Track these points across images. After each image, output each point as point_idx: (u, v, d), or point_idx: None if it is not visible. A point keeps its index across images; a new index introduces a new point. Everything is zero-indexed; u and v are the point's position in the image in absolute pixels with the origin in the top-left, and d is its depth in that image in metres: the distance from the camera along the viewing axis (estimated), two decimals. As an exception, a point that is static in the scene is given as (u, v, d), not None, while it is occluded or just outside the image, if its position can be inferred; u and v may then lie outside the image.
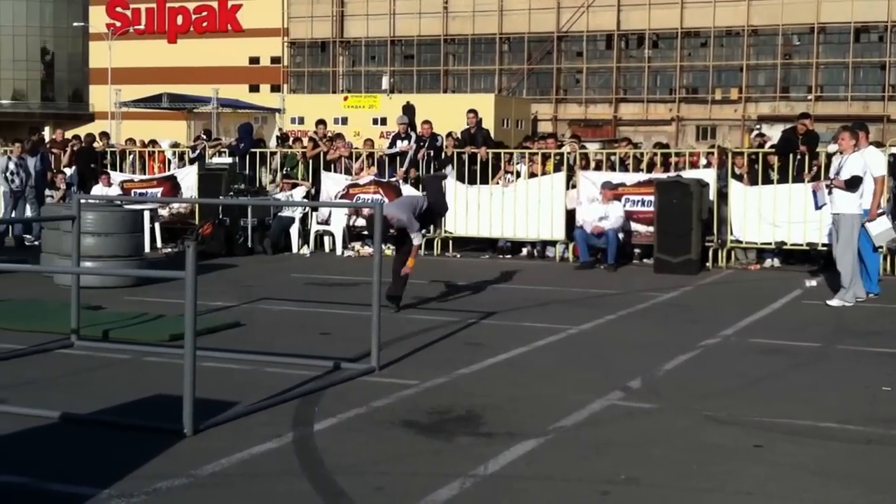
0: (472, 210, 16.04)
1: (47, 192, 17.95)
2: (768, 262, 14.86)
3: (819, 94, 63.18)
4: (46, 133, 26.08)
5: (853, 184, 10.88)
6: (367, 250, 15.82)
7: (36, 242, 15.91)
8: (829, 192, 11.21)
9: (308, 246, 16.46)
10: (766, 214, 14.45)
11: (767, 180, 14.72)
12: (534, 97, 68.43)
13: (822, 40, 63.07)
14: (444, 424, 6.10)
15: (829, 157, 14.14)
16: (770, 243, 14.61)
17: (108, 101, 61.94)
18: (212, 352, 7.73)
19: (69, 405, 6.32)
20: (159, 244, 16.50)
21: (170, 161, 19.03)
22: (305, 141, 18.86)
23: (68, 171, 18.71)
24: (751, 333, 9.44)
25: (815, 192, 11.89)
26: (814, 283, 12.67)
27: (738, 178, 15.08)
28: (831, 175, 11.34)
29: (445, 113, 37.47)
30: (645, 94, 67.11)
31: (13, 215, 16.90)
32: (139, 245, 12.94)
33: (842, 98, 62.49)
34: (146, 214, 15.16)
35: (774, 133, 22.89)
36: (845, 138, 11.22)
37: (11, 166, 16.95)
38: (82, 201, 9.70)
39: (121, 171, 18.63)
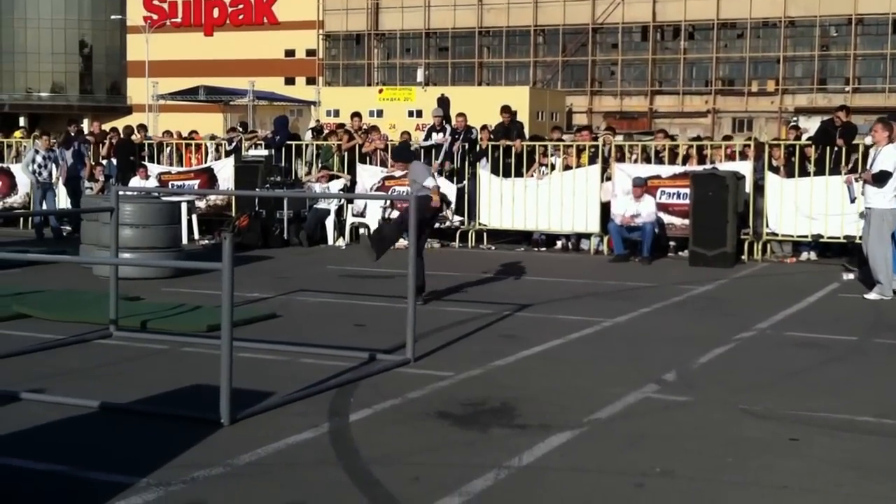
0: (506, 202, 16.03)
1: (86, 183, 18.15)
2: (804, 256, 14.73)
3: (857, 85, 62.48)
4: (85, 125, 26.31)
5: (881, 178, 10.78)
6: (402, 243, 15.85)
7: (74, 234, 16.09)
8: (861, 186, 11.15)
9: (343, 238, 16.54)
10: (803, 207, 14.32)
11: (804, 173, 14.60)
12: (569, 89, 68.21)
13: (859, 31, 62.34)
14: (478, 416, 6.12)
15: (867, 148, 14.01)
16: (806, 236, 14.49)
17: (145, 93, 62.44)
18: (248, 342, 7.80)
19: (108, 395, 6.41)
20: (196, 236, 16.65)
21: (207, 152, 19.17)
22: (341, 133, 18.91)
23: (106, 163, 18.90)
24: (786, 327, 9.38)
25: (848, 186, 11.81)
26: (851, 276, 12.56)
27: (775, 170, 14.96)
28: (868, 168, 11.25)
29: (480, 105, 37.41)
30: (681, 86, 66.68)
31: (43, 207, 17.07)
32: (176, 236, 13.06)
33: (880, 90, 61.76)
34: (183, 206, 15.28)
35: (811, 125, 22.71)
36: (878, 130, 11.12)
37: (39, 159, 17.10)
38: (120, 193, 9.81)
39: (158, 163, 18.80)
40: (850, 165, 14.05)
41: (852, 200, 11.99)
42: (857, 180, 11.25)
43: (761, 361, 7.87)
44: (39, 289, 10.74)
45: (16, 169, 18.82)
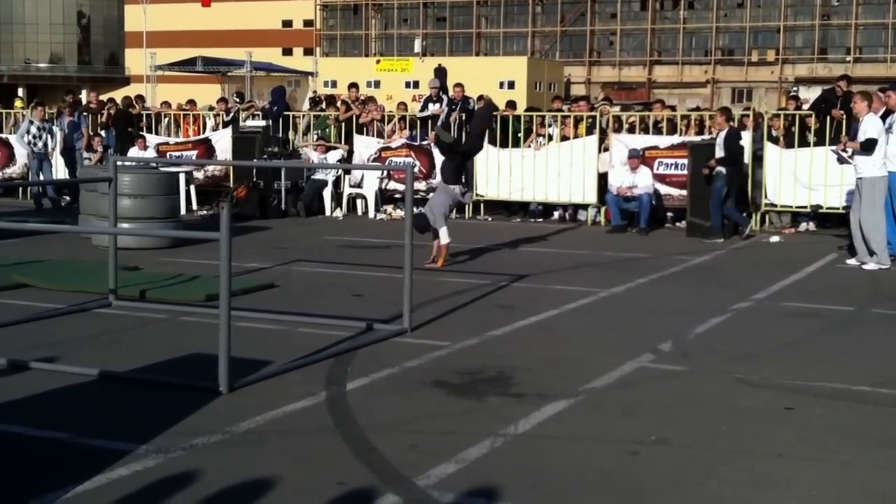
0: (504, 173, 16.02)
1: (84, 154, 18.13)
2: (803, 226, 14.75)
3: (858, 55, 62.23)
4: (83, 96, 26.23)
5: (868, 146, 10.90)
6: (399, 213, 15.87)
7: (73, 204, 16.10)
8: (850, 156, 11.27)
9: (341, 209, 16.54)
10: (802, 177, 14.32)
11: (804, 143, 14.58)
12: (567, 60, 68.00)
13: (861, 1, 61.98)
14: (475, 385, 6.16)
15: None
16: (805, 207, 14.49)
17: (143, 64, 62.23)
18: (246, 312, 7.82)
19: (107, 363, 6.45)
20: (194, 206, 16.66)
21: (206, 123, 19.11)
22: (338, 104, 18.87)
23: (104, 134, 18.86)
24: (783, 297, 9.41)
25: (837, 154, 11.89)
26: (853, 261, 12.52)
27: (774, 140, 14.94)
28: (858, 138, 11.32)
29: (478, 76, 37.23)
30: (680, 56, 66.46)
31: (39, 178, 17.06)
32: (175, 207, 13.07)
33: (881, 60, 61.55)
34: (181, 177, 15.28)
35: (812, 95, 22.62)
36: (857, 101, 11.41)
37: (34, 130, 17.07)
38: (119, 163, 9.80)
39: (156, 134, 18.76)
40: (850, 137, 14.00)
41: (840, 163, 12.00)
42: (843, 151, 11.38)
43: (758, 331, 7.90)
44: (39, 259, 10.77)
45: (14, 140, 18.78)
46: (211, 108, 20.96)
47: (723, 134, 13.53)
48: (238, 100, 20.80)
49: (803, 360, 7.00)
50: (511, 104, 17.91)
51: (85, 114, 19.31)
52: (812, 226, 14.79)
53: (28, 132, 17.08)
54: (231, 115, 18.54)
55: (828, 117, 14.58)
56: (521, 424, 5.35)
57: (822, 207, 14.41)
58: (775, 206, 14.74)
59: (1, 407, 5.58)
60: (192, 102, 20.44)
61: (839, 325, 8.25)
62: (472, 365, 6.61)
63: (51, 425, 5.25)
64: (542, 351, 7.11)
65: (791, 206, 14.62)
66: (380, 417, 5.48)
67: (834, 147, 12.19)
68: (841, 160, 11.87)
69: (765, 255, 12.44)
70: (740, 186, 14.33)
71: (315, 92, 35.20)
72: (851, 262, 11.33)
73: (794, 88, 48.18)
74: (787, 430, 5.35)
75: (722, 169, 13.38)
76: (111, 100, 20.03)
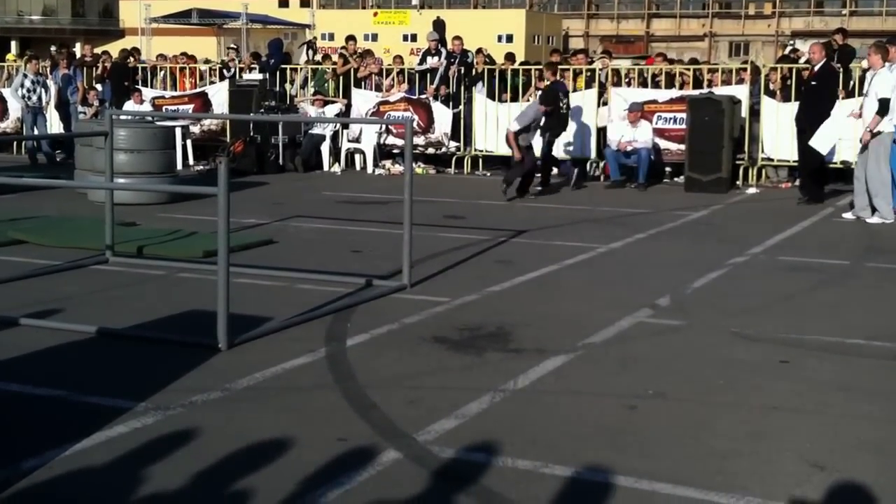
0: (502, 128, 15.91)
1: (80, 108, 18.01)
2: (799, 181, 14.71)
3: (854, 8, 61.79)
4: (77, 49, 26.00)
5: (883, 109, 10.78)
6: (398, 168, 15.82)
7: (68, 159, 16.03)
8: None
9: (339, 164, 16.49)
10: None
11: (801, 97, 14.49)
12: (565, 13, 67.45)
13: (859, -48, 61.45)
14: (474, 341, 6.18)
15: (864, 72, 13.91)
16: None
17: (137, 16, 61.55)
18: (245, 268, 7.84)
19: (105, 320, 6.45)
20: (191, 161, 16.58)
21: (202, 75, 18.94)
22: (335, 57, 18.72)
23: (100, 87, 18.72)
24: (779, 251, 9.43)
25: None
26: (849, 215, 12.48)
27: (771, 94, 14.86)
28: (866, 90, 11.25)
29: (476, 29, 36.90)
30: (678, 9, 65.94)
31: (34, 132, 16.93)
32: (171, 162, 13.01)
33: (877, 13, 61.10)
34: (178, 131, 15.20)
35: (808, 48, 22.45)
36: (872, 54, 11.20)
37: (27, 83, 16.90)
38: (114, 118, 9.75)
39: (152, 87, 18.63)
40: (847, 90, 13.94)
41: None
42: (869, 132, 11.10)
43: (754, 286, 7.93)
44: (34, 214, 10.75)
45: (7, 93, 18.58)
46: (207, 62, 20.82)
47: (877, 74, 11.24)
48: (234, 50, 20.60)
49: (798, 313, 7.03)
50: (510, 56, 17.77)
51: (80, 67, 19.14)
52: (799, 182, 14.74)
53: (22, 86, 16.90)
54: (231, 71, 18.42)
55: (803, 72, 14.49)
56: (520, 379, 5.39)
57: (819, 161, 14.36)
58: (772, 160, 14.71)
59: None
60: (187, 56, 20.26)
61: (834, 279, 8.28)
62: (471, 321, 6.64)
63: (48, 383, 5.27)
64: (541, 306, 7.13)
65: (788, 161, 14.58)
66: (380, 373, 5.51)
67: (854, 113, 11.71)
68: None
69: (761, 210, 12.45)
70: (736, 139, 14.31)
71: (314, 37, 34.43)
72: (848, 215, 11.34)
73: (791, 42, 47.86)
74: (781, 384, 5.39)
75: (883, 129, 11.08)
76: (106, 52, 19.82)
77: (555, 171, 14.86)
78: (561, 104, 14.14)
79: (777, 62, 16.43)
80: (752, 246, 9.59)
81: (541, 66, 17.04)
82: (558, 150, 14.98)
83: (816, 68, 12.59)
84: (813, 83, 12.54)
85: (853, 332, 6.43)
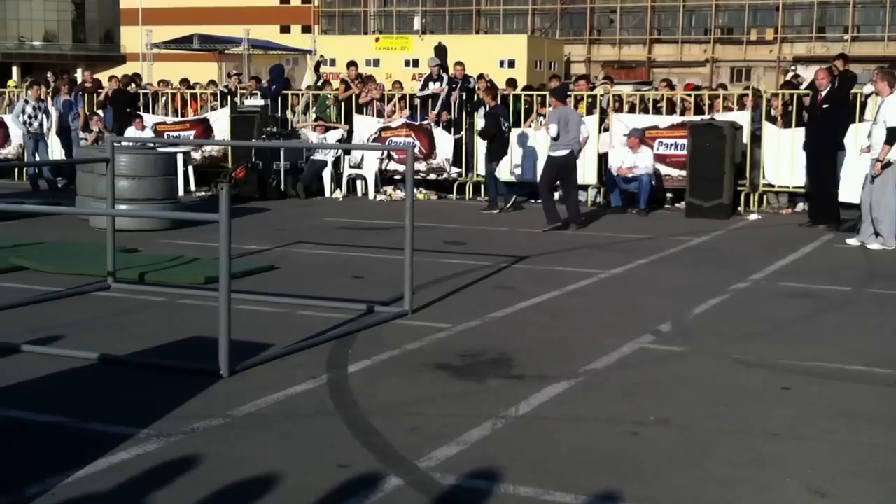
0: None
1: (81, 134, 18.07)
2: (800, 207, 14.73)
3: (856, 34, 62.03)
4: (78, 75, 26.11)
5: (891, 138, 10.76)
6: (399, 194, 15.86)
7: (70, 186, 16.09)
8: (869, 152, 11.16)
9: (340, 190, 16.53)
10: (800, 158, 14.28)
11: (802, 123, 14.54)
12: (567, 38, 67.76)
13: (859, -21, 61.73)
14: (476, 367, 6.18)
15: (866, 97, 13.97)
16: (803, 187, 14.47)
17: (139, 42, 61.91)
18: (246, 294, 7.84)
19: (107, 347, 6.45)
20: (192, 187, 16.62)
21: (200, 96, 19.00)
22: (337, 83, 18.80)
23: (102, 113, 18.79)
24: (781, 277, 9.44)
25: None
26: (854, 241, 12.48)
27: (772, 120, 14.91)
28: (874, 118, 11.27)
29: (478, 54, 37.07)
30: (679, 35, 66.25)
31: (35, 158, 17.00)
32: (173, 188, 13.04)
33: (879, 38, 61.37)
34: (179, 157, 15.25)
35: (810, 74, 22.54)
36: (879, 80, 11.12)
37: (29, 109, 16.99)
38: (116, 144, 9.79)
39: (153, 113, 18.70)
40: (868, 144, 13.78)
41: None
42: (875, 160, 11.13)
43: (755, 312, 7.93)
44: (36, 241, 10.76)
45: (8, 119, 18.66)
46: (212, 83, 20.90)
47: (884, 102, 11.07)
48: (237, 76, 20.72)
49: (799, 340, 7.03)
50: (511, 82, 17.80)
51: (81, 93, 19.22)
52: (807, 206, 14.75)
53: (23, 112, 17.00)
54: (225, 85, 18.45)
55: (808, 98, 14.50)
56: (521, 406, 5.39)
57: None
58: (773, 186, 14.74)
59: (0, 391, 5.60)
60: (188, 84, 20.36)
61: (835, 306, 8.28)
62: (473, 347, 6.64)
63: (50, 409, 5.27)
64: (543, 332, 7.14)
65: (788, 187, 14.62)
66: (381, 400, 5.51)
67: (863, 146, 11.66)
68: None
69: (763, 236, 12.46)
70: (738, 165, 14.34)
71: (322, 56, 34.33)
72: (852, 241, 11.34)
73: (793, 67, 48.05)
74: (783, 410, 5.39)
75: (892, 158, 10.92)
76: (113, 78, 19.89)
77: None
78: (503, 129, 14.64)
79: (780, 88, 16.41)
80: (754, 272, 9.60)
81: (544, 93, 17.13)
82: (504, 174, 15.40)
83: (823, 94, 12.59)
84: (824, 107, 12.52)
85: (855, 359, 6.43)
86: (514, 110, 16.39)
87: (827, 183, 12.65)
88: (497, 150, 14.72)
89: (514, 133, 15.75)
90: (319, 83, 20.24)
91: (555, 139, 12.42)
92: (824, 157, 12.50)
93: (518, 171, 15.70)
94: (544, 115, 16.19)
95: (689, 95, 16.26)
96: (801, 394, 5.71)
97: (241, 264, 9.20)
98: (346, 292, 8.38)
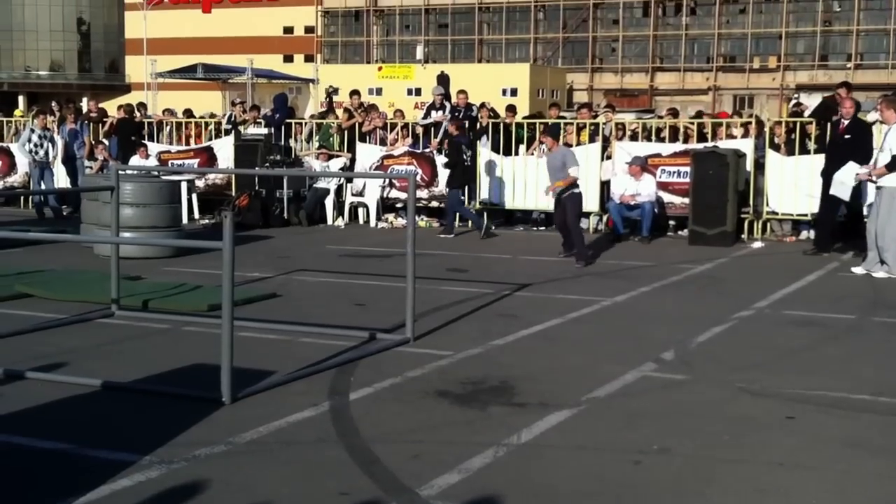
0: (506, 181, 16.04)
1: (86, 162, 18.16)
2: (804, 234, 14.73)
3: (859, 62, 62.17)
4: (84, 104, 26.29)
5: (894, 165, 10.80)
6: (401, 222, 15.88)
7: (74, 213, 16.14)
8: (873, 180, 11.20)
9: (343, 217, 16.56)
10: (804, 185, 14.31)
11: (805, 151, 14.57)
12: (569, 66, 68.00)
13: (863, 6, 61.92)
14: (477, 395, 6.17)
15: (870, 125, 13.98)
16: (806, 215, 14.48)
17: (144, 71, 62.27)
18: (249, 322, 7.84)
19: (110, 373, 6.46)
20: (196, 215, 16.68)
21: (212, 133, 19.12)
22: (340, 112, 18.89)
23: (107, 142, 18.88)
24: (785, 305, 9.42)
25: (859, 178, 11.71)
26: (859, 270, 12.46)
27: (776, 148, 14.94)
28: (881, 146, 11.30)
29: (481, 82, 37.20)
30: (682, 63, 66.44)
31: (41, 186, 17.12)
32: (177, 216, 13.08)
33: (882, 66, 61.52)
34: (183, 186, 15.30)
35: (813, 102, 22.59)
36: (884, 108, 11.16)
37: (35, 138, 17.12)
38: (120, 172, 9.82)
39: (157, 142, 18.79)
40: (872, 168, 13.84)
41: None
42: (870, 179, 11.22)
43: (759, 340, 7.91)
44: (41, 268, 10.80)
45: (14, 148, 18.82)
46: (212, 116, 20.98)
47: (891, 129, 11.23)
48: (241, 104, 20.84)
49: (804, 368, 7.01)
50: (511, 108, 17.82)
51: (86, 122, 19.33)
52: (813, 234, 14.74)
53: (29, 140, 17.12)
54: (228, 115, 18.54)
55: (829, 124, 14.53)
56: (523, 434, 5.37)
57: (823, 215, 14.37)
58: (777, 213, 14.74)
59: (3, 417, 5.60)
60: (191, 113, 20.50)
61: (840, 334, 8.25)
62: (474, 374, 6.63)
63: (53, 436, 5.27)
64: (545, 360, 7.12)
65: (792, 215, 14.62)
66: (382, 428, 5.49)
67: (861, 171, 11.66)
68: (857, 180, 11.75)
69: (767, 264, 12.46)
70: (741, 193, 14.35)
71: (331, 87, 34.40)
72: (857, 269, 11.30)
73: (796, 95, 48.15)
74: (787, 440, 5.36)
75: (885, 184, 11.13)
76: (121, 107, 19.97)
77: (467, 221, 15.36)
78: (465, 157, 14.94)
79: (789, 116, 16.35)
80: (758, 300, 9.58)
81: (546, 121, 17.18)
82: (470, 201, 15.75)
83: (846, 123, 12.52)
84: (846, 137, 12.45)
85: (860, 388, 6.40)
86: (517, 137, 16.44)
87: (826, 211, 12.64)
88: (459, 178, 14.99)
89: (483, 160, 16.06)
90: (326, 115, 20.28)
91: (576, 178, 12.28)
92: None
93: (484, 198, 16.04)
94: (545, 144, 16.26)
95: (692, 123, 16.31)
96: (806, 423, 5.69)
97: (243, 292, 9.22)
98: (348, 319, 8.38)
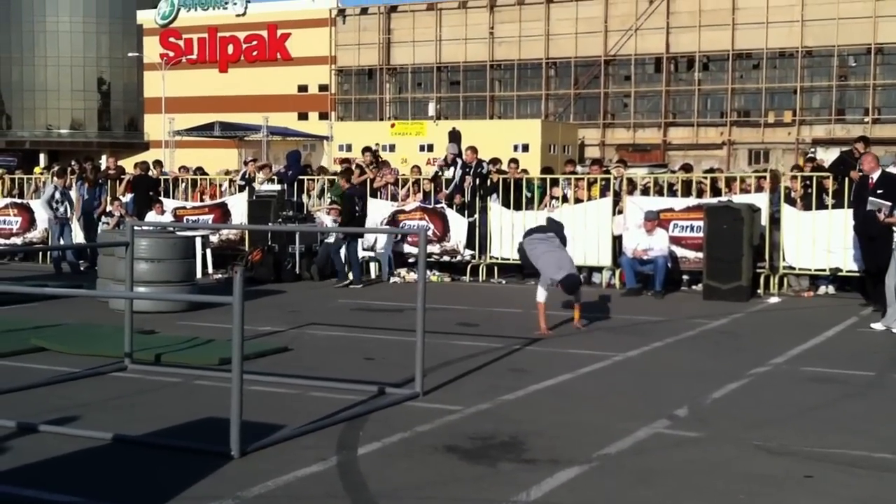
0: (517, 236, 15.99)
1: (104, 218, 18.35)
2: (822, 290, 14.62)
3: (876, 116, 62.02)
4: (103, 162, 26.65)
5: None
6: (413, 276, 15.87)
7: (92, 268, 16.24)
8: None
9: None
10: (821, 240, 14.24)
11: (822, 205, 14.52)
12: (581, 122, 68.26)
13: (879, 61, 61.89)
14: (487, 450, 6.10)
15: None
16: (824, 270, 14.38)
17: (162, 129, 62.98)
18: (260, 375, 7.81)
19: (122, 427, 6.43)
20: (210, 270, 16.72)
21: (221, 185, 19.29)
22: (352, 167, 18.99)
23: (124, 199, 19.03)
24: (803, 362, 9.31)
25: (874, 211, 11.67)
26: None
27: (791, 202, 14.89)
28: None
29: (492, 138, 37.40)
30: (695, 118, 66.52)
31: (60, 242, 17.50)
32: (191, 271, 13.11)
33: (900, 120, 61.31)
34: (198, 241, 15.37)
35: (829, 157, 22.59)
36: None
37: (57, 195, 17.70)
38: (136, 228, 9.88)
39: (174, 198, 18.95)
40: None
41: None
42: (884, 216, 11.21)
43: (776, 397, 7.81)
44: (57, 322, 10.84)
45: (35, 205, 19.24)
46: (227, 173, 21.15)
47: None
48: (253, 161, 21.05)
49: (822, 426, 6.89)
50: (513, 161, 17.84)
51: (105, 179, 19.55)
52: (832, 289, 14.64)
53: (52, 196, 17.58)
54: (241, 174, 18.73)
55: (846, 179, 14.46)
56: (533, 491, 5.29)
57: (841, 270, 14.29)
58: (794, 268, 14.66)
59: (15, 470, 5.58)
60: (202, 171, 20.84)
61: (859, 391, 8.13)
62: (484, 430, 6.56)
63: (64, 489, 5.24)
64: (556, 416, 7.05)
65: (810, 269, 14.53)
66: (391, 483, 5.43)
67: (872, 207, 11.67)
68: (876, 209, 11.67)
69: (783, 319, 12.36)
70: (756, 248, 14.28)
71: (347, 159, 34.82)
72: (877, 325, 11.16)
73: (812, 150, 48.11)
74: (805, 499, 5.27)
75: None
76: (137, 165, 20.16)
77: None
78: (356, 209, 15.38)
79: (810, 171, 16.21)
80: (774, 356, 9.48)
81: (556, 176, 17.24)
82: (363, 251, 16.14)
83: (875, 177, 12.32)
84: (879, 192, 12.14)
85: (880, 446, 6.29)
86: (529, 190, 16.49)
87: (884, 264, 12.50)
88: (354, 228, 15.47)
89: (494, 215, 16.25)
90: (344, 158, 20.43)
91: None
92: (880, 239, 12.31)
93: (381, 249, 16.52)
94: (557, 198, 16.31)
95: (706, 178, 16.31)
96: (826, 482, 5.57)
97: (254, 345, 9.20)
98: (358, 374, 8.34)
